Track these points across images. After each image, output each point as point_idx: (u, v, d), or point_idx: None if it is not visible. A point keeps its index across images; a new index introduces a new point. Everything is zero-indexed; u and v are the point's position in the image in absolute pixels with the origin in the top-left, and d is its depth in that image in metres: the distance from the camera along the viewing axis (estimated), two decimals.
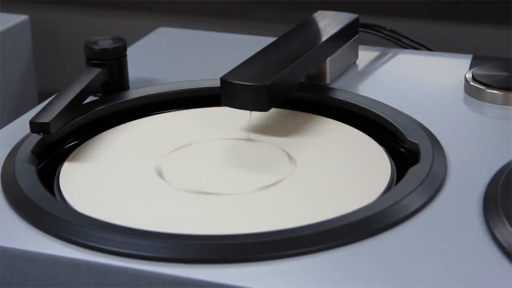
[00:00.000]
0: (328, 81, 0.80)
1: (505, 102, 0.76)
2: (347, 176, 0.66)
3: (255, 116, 0.74)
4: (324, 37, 0.79)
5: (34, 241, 0.58)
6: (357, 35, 0.85)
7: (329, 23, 0.82)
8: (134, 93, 0.78)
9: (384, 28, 0.91)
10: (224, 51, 0.91)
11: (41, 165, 0.69)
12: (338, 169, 0.67)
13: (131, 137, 0.73)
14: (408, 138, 0.69)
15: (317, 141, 0.71)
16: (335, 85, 0.80)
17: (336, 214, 0.59)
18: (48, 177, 0.68)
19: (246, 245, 0.56)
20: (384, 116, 0.72)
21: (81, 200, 0.63)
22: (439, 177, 0.63)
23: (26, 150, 0.68)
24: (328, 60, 0.79)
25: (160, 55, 0.91)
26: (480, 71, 0.79)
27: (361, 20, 0.86)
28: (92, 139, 0.72)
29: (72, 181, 0.66)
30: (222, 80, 0.69)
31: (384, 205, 0.59)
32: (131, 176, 0.67)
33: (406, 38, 0.92)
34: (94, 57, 0.77)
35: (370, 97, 0.76)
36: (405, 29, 0.94)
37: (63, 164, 0.69)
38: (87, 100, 0.76)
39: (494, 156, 0.67)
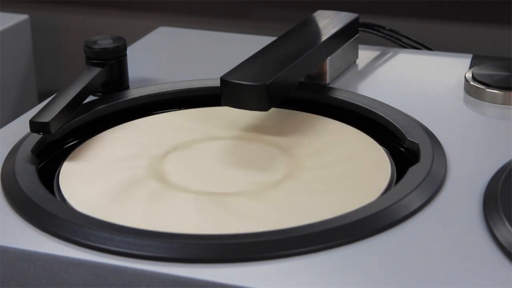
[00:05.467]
0: (328, 81, 0.80)
1: (505, 102, 0.76)
2: (347, 176, 0.66)
3: (255, 115, 0.74)
4: (324, 37, 0.79)
5: (34, 240, 0.58)
6: (357, 35, 0.85)
7: (329, 22, 0.82)
8: (134, 92, 0.78)
9: (384, 28, 0.91)
10: (224, 50, 0.91)
11: (41, 165, 0.69)
12: (338, 169, 0.67)
13: (131, 137, 0.73)
14: (408, 138, 0.69)
15: (316, 140, 0.71)
16: (335, 84, 0.80)
17: (336, 214, 0.59)
18: (48, 176, 0.68)
19: (246, 245, 0.56)
20: (384, 116, 0.72)
21: (81, 199, 0.63)
22: (439, 176, 0.63)
23: (26, 150, 0.68)
24: (328, 60, 0.79)
25: (160, 55, 0.91)
26: (480, 71, 0.79)
27: (361, 20, 0.86)
28: (92, 138, 0.72)
29: (72, 181, 0.66)
30: (222, 79, 0.69)
31: (384, 205, 0.59)
32: (130, 176, 0.67)
33: (406, 37, 0.92)
34: (94, 57, 0.77)
35: (370, 96, 0.76)
36: (405, 29, 0.94)
37: (63, 163, 0.69)
38: (87, 100, 0.76)
39: (494, 156, 0.67)
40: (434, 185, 0.62)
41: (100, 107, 0.75)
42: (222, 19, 1.05)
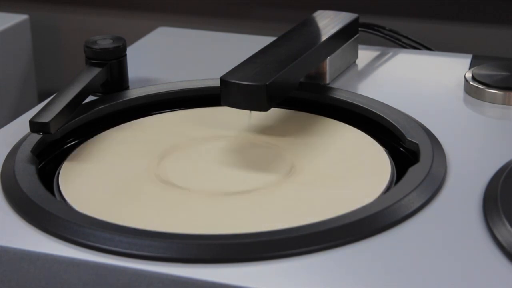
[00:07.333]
0: (327, 81, 0.80)
1: (505, 102, 0.76)
2: (347, 176, 0.66)
3: (255, 116, 0.74)
4: (324, 37, 0.79)
5: (34, 241, 0.58)
6: (357, 35, 0.85)
7: (329, 22, 0.82)
8: (134, 92, 0.78)
9: (384, 28, 0.91)
10: (224, 50, 0.91)
11: (41, 165, 0.69)
12: (338, 169, 0.67)
13: (131, 137, 0.73)
14: (408, 138, 0.69)
15: (317, 141, 0.71)
16: (335, 84, 0.80)
17: (336, 214, 0.59)
18: (48, 176, 0.68)
19: (246, 245, 0.56)
20: (384, 116, 0.72)
21: (81, 199, 0.63)
22: (439, 176, 0.63)
23: (26, 150, 0.68)
24: (328, 60, 0.79)
25: (160, 55, 0.91)
26: (480, 71, 0.79)
27: (361, 20, 0.86)
28: (92, 139, 0.72)
29: (72, 181, 0.66)
30: (222, 79, 0.69)
31: (384, 205, 0.59)
32: (130, 176, 0.67)
33: (406, 37, 0.92)
34: (94, 57, 0.77)
35: (370, 96, 0.76)
36: (405, 29, 0.94)
37: (63, 163, 0.69)
38: (87, 100, 0.76)
39: (494, 156, 0.67)
40: (434, 185, 0.62)
41: (100, 107, 0.75)
42: (222, 19, 1.05)
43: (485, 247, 0.56)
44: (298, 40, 0.78)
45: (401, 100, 0.76)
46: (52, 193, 0.64)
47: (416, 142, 0.68)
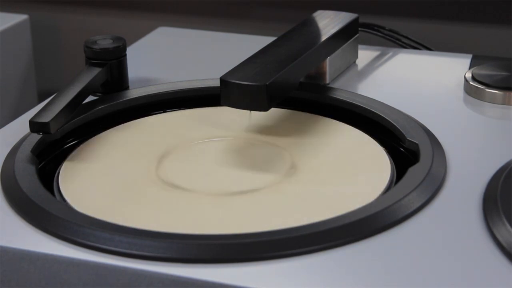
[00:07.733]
0: (327, 81, 0.80)
1: (505, 102, 0.76)
2: (347, 176, 0.66)
3: (255, 116, 0.74)
4: (324, 37, 0.79)
5: (34, 241, 0.58)
6: (357, 35, 0.85)
7: (329, 22, 0.82)
8: (134, 92, 0.78)
9: (384, 28, 0.91)
10: (224, 50, 0.91)
11: (41, 165, 0.69)
12: (338, 169, 0.67)
13: (131, 137, 0.73)
14: (408, 138, 0.69)
15: (316, 140, 0.71)
16: (335, 84, 0.80)
17: (336, 214, 0.59)
18: (48, 176, 0.68)
19: (246, 245, 0.56)
20: (384, 116, 0.72)
21: (81, 200, 0.63)
22: (439, 176, 0.63)
23: (26, 150, 0.68)
24: (327, 60, 0.79)
25: (160, 55, 0.91)
26: (480, 71, 0.79)
27: (361, 20, 0.86)
28: (92, 139, 0.72)
29: (72, 181, 0.66)
30: (222, 79, 0.69)
31: (384, 205, 0.59)
32: (130, 176, 0.67)
33: (406, 37, 0.92)
34: (94, 57, 0.77)
35: (370, 96, 0.76)
36: (405, 29, 0.94)
37: (63, 163, 0.69)
38: (87, 100, 0.76)
39: (494, 156, 0.67)
40: (434, 185, 0.62)
41: (100, 107, 0.75)
42: (222, 19, 1.05)
43: (485, 247, 0.56)
44: (298, 40, 0.78)
45: (401, 100, 0.76)
46: (52, 193, 0.64)
47: (416, 142, 0.68)
